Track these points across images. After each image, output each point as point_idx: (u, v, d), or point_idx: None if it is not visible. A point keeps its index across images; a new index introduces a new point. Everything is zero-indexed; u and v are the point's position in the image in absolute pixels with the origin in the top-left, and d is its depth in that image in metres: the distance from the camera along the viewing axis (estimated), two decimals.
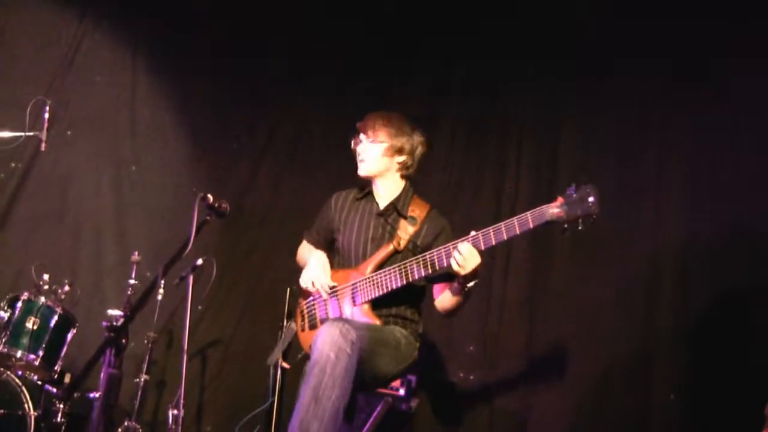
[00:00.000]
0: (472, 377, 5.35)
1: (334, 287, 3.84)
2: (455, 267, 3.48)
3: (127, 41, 6.28)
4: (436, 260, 3.57)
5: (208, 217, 3.86)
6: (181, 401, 4.78)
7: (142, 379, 5.12)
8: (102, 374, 4.43)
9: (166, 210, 5.98)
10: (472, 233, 3.50)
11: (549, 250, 5.32)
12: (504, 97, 5.78)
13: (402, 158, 3.89)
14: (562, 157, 5.47)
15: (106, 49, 6.24)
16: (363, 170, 3.92)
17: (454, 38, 5.94)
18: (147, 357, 5.17)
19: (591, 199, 3.34)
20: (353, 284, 3.79)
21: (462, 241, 3.50)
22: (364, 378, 3.53)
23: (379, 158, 3.88)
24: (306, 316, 3.96)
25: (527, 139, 5.62)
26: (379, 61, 6.12)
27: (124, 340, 4.49)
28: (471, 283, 3.59)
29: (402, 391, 4.26)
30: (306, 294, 3.97)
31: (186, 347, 4.78)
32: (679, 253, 4.99)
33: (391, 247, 3.79)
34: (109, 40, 6.26)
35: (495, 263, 5.41)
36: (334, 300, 3.83)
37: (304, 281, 3.90)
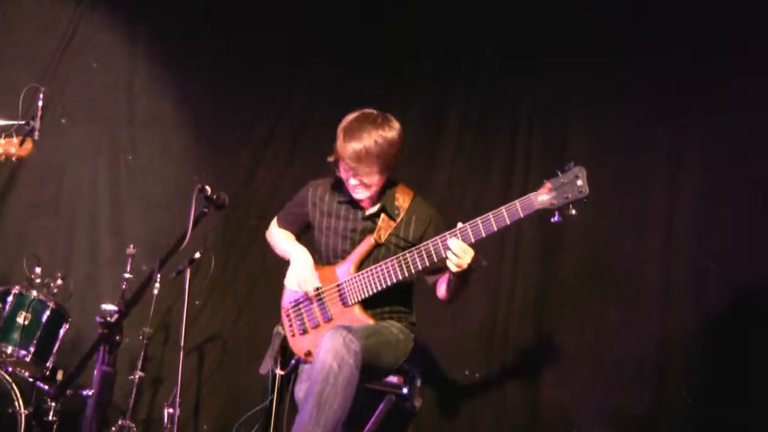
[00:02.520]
0: (477, 375, 5.31)
1: (319, 288, 3.84)
2: (452, 268, 3.47)
3: (126, 25, 6.22)
4: (434, 251, 3.55)
5: (206, 209, 3.86)
6: (177, 399, 4.86)
7: (137, 376, 5.09)
8: (95, 372, 4.38)
9: (164, 201, 5.96)
10: (459, 225, 3.48)
11: (558, 247, 5.29)
12: (512, 89, 5.70)
13: (391, 172, 3.82)
14: (572, 148, 5.37)
15: (104, 34, 6.18)
16: (361, 196, 3.81)
17: (460, 28, 5.89)
18: (142, 353, 5.15)
19: (579, 182, 3.30)
20: (339, 285, 3.80)
21: (450, 235, 3.48)
22: (369, 378, 3.69)
23: (378, 185, 3.79)
24: (294, 320, 3.95)
25: (536, 133, 5.55)
26: (383, 52, 6.08)
27: (118, 337, 4.31)
28: (471, 275, 3.60)
29: (405, 390, 4.22)
30: (290, 294, 3.96)
31: (183, 343, 4.88)
32: (692, 249, 4.92)
33: (371, 240, 3.78)
34: (108, 24, 6.20)
35: (503, 259, 5.38)
36: (321, 302, 3.84)
37: (290, 283, 3.88)
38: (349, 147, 3.64)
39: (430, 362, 5.23)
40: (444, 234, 3.51)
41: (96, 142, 6.04)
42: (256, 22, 6.18)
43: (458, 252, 3.43)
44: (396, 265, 3.63)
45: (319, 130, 6.06)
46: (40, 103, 4.82)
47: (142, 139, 6.12)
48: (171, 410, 4.92)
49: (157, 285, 5.07)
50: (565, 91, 5.48)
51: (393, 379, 4.14)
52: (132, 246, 5.14)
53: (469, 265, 3.47)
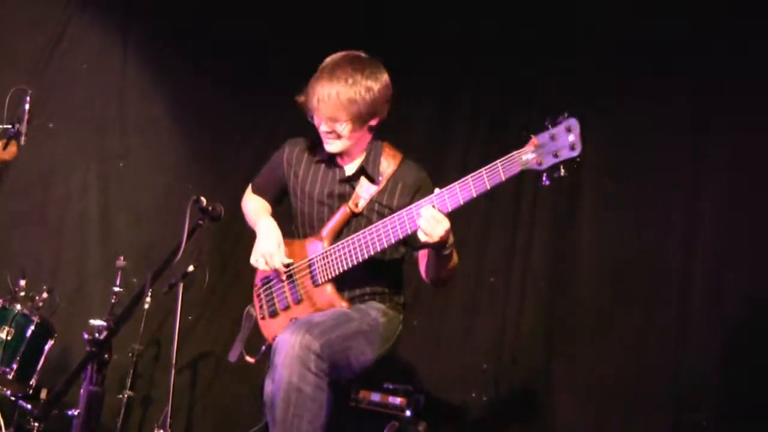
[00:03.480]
0: (485, 398, 5.24)
1: (289, 265, 3.64)
2: (422, 237, 3.16)
3: (117, 26, 6.25)
4: (407, 220, 3.26)
5: (201, 221, 3.79)
6: (168, 420, 4.86)
7: (126, 395, 5.11)
8: (82, 391, 4.35)
9: (156, 211, 5.96)
10: (437, 191, 3.20)
11: (571, 263, 5.25)
12: (527, 84, 5.64)
13: (374, 121, 3.56)
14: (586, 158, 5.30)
15: (94, 34, 6.20)
16: (333, 148, 3.58)
17: (471, 23, 5.86)
18: (132, 371, 5.18)
19: (571, 137, 2.97)
20: (309, 261, 3.58)
21: (425, 202, 3.20)
22: (343, 375, 3.41)
23: (350, 135, 3.52)
24: (264, 301, 3.79)
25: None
26: (387, 58, 5.99)
27: (107, 355, 4.29)
28: (446, 250, 3.29)
29: (409, 413, 4.16)
30: (261, 272, 3.80)
31: (174, 361, 4.83)
32: (714, 268, 4.85)
33: (347, 210, 3.57)
34: (98, 24, 6.22)
35: (512, 275, 5.34)
36: (292, 281, 3.63)
37: (256, 260, 3.70)
38: (318, 84, 3.44)
39: (435, 384, 5.19)
40: (419, 202, 3.24)
41: (85, 148, 6.04)
42: (255, 24, 6.19)
43: (429, 220, 3.13)
44: (367, 238, 3.37)
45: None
46: (27, 106, 4.84)
47: (133, 146, 6.11)
48: (161, 431, 4.89)
49: (149, 300, 5.08)
50: (580, 96, 5.39)
51: (395, 400, 4.09)
52: (122, 258, 5.15)
53: (443, 239, 3.18)
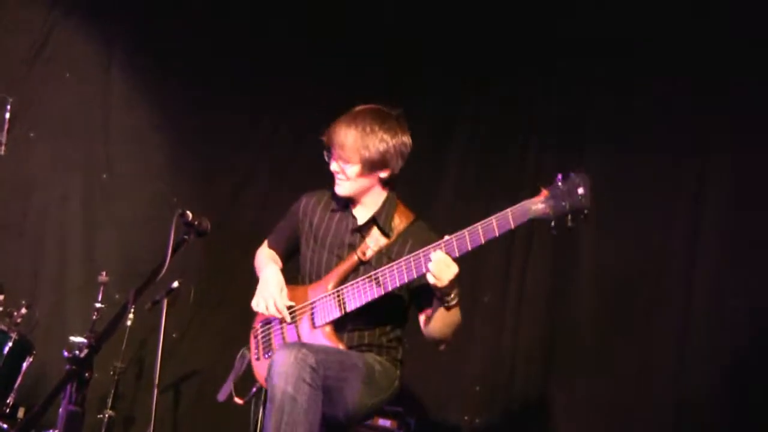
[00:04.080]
0: (478, 421, 5.27)
1: (291, 308, 3.68)
2: (430, 280, 3.27)
3: (102, 33, 6.23)
4: (414, 264, 3.36)
5: (186, 236, 3.77)
6: None
7: (107, 415, 5.08)
8: (61, 410, 4.35)
9: (140, 225, 5.92)
10: (446, 237, 3.30)
11: (569, 284, 5.27)
12: (525, 99, 5.74)
13: (385, 173, 3.68)
14: (588, 161, 5.37)
15: (79, 41, 6.19)
16: (341, 190, 3.71)
17: (470, 31, 5.91)
18: (113, 390, 5.15)
19: (581, 190, 3.14)
20: (312, 303, 3.64)
21: (434, 247, 3.30)
22: (335, 413, 3.40)
23: (357, 179, 3.66)
24: (261, 342, 3.84)
25: (549, 147, 5.56)
26: (384, 70, 6.10)
27: (87, 373, 4.29)
28: (452, 299, 3.38)
29: None
30: (261, 315, 3.83)
31: (157, 380, 4.78)
32: (715, 291, 4.86)
33: (354, 258, 3.63)
34: (83, 31, 6.21)
35: (507, 296, 5.38)
36: (291, 323, 3.68)
37: (257, 304, 3.71)
38: (339, 125, 3.62)
39: (426, 406, 5.21)
40: (427, 248, 3.33)
41: (67, 159, 6.02)
42: (245, 32, 6.22)
43: (439, 263, 3.25)
44: (370, 281, 3.47)
45: (312, 152, 6.04)
46: (7, 115, 4.83)
47: (117, 157, 6.10)
48: None
49: (131, 316, 5.06)
50: (582, 115, 5.51)
51: (386, 423, 4.09)
52: (104, 273, 5.14)
53: (451, 283, 3.29)
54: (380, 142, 3.57)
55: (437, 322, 3.51)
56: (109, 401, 5.10)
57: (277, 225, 4.05)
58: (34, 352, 4.96)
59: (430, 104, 5.99)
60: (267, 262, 3.89)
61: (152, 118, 6.21)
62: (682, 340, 4.87)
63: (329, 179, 4.54)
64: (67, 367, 4.46)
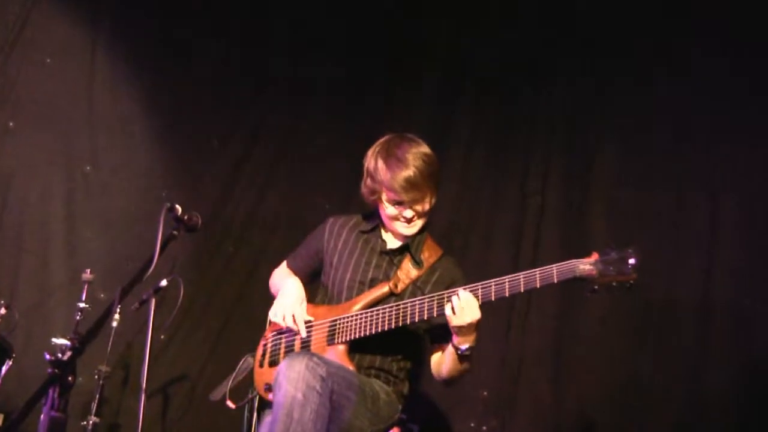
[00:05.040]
0: (485, 428, 5.30)
1: (309, 322, 3.82)
2: (448, 312, 3.44)
3: (86, 16, 6.15)
4: (437, 303, 3.52)
5: (175, 231, 3.83)
6: None
7: (91, 422, 5.03)
8: (42, 417, 4.33)
9: (127, 220, 5.90)
10: (482, 284, 3.48)
11: (579, 285, 5.17)
12: (529, 101, 5.80)
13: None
14: (598, 169, 5.45)
15: (61, 25, 6.09)
16: (413, 230, 3.83)
17: (467, 29, 6.01)
18: (97, 395, 5.09)
19: (632, 261, 3.32)
20: (332, 321, 3.76)
21: (465, 288, 3.48)
22: (330, 431, 3.43)
23: (428, 212, 3.83)
24: (269, 350, 3.95)
25: (556, 153, 5.63)
26: (384, 59, 6.19)
27: (70, 377, 4.25)
28: (465, 346, 3.54)
29: None
30: (274, 326, 3.94)
31: (145, 384, 4.74)
32: (734, 298, 4.90)
33: (386, 288, 3.76)
34: (65, 14, 6.11)
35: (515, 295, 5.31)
36: (307, 336, 3.81)
37: (274, 314, 3.87)
38: (398, 176, 3.65)
39: (430, 412, 5.22)
40: (451, 290, 3.52)
41: (49, 150, 5.94)
42: (240, 17, 6.23)
43: (463, 301, 3.42)
44: (392, 311, 3.61)
45: (310, 139, 6.25)
46: None
47: (102, 148, 6.04)
48: None
49: (117, 317, 4.99)
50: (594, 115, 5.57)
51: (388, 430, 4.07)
52: (88, 271, 5.09)
53: (470, 328, 3.47)
54: (434, 162, 3.75)
55: (449, 363, 3.69)
56: (94, 407, 5.05)
57: (298, 248, 4.19)
58: (14, 355, 4.91)
59: (428, 103, 6.11)
60: (289, 277, 4.05)
61: (140, 106, 6.15)
62: (700, 342, 4.90)
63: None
64: (49, 370, 4.20)
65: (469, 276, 3.81)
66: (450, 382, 3.80)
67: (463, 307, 3.41)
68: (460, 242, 5.67)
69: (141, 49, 6.20)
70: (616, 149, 5.42)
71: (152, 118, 6.15)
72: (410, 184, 3.64)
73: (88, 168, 5.98)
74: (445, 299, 3.48)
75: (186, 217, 3.81)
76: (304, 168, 6.18)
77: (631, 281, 3.32)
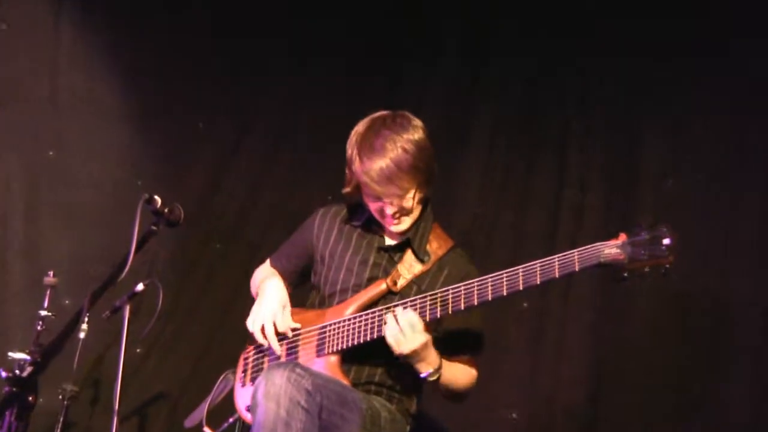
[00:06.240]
0: (514, 415, 5.31)
1: (296, 330, 3.70)
2: (385, 332, 3.37)
3: None
4: (439, 304, 3.38)
5: (154, 227, 3.82)
6: None
7: None
8: None
9: (97, 214, 5.80)
10: (491, 275, 3.34)
11: (623, 287, 4.95)
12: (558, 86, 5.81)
13: (430, 187, 3.70)
14: (644, 160, 5.40)
15: None
16: (402, 227, 3.66)
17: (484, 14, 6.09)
18: (62, 418, 4.91)
19: (666, 241, 3.10)
20: (322, 327, 3.63)
21: (478, 282, 3.34)
22: None
23: (417, 206, 3.64)
24: (250, 366, 3.85)
25: (594, 142, 5.62)
26: (389, 41, 6.27)
27: (31, 397, 4.24)
28: (426, 372, 3.42)
29: None
30: (254, 338, 3.82)
31: (117, 405, 4.44)
32: None
33: (383, 286, 3.61)
34: None
35: (549, 296, 5.39)
36: (293, 347, 3.70)
37: (252, 323, 3.75)
38: (372, 167, 3.47)
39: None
40: (468, 282, 3.35)
41: (5, 133, 5.76)
42: None
43: (399, 324, 3.32)
44: (381, 316, 3.47)
45: (308, 126, 6.33)
46: None
47: (68, 130, 5.90)
48: None
49: (85, 327, 4.65)
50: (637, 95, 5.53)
51: None
52: (52, 273, 4.88)
53: (413, 353, 3.33)
54: (421, 151, 3.53)
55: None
56: (58, 430, 4.88)
57: (283, 244, 4.09)
58: None
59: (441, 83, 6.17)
60: (270, 277, 3.91)
61: (111, 84, 6.03)
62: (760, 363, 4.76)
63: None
64: (6, 389, 4.26)
65: None
66: (450, 399, 3.71)
67: (398, 331, 3.31)
68: (484, 239, 5.65)
69: (114, 19, 6.05)
70: (663, 135, 5.37)
71: (128, 97, 6.04)
72: (384, 178, 3.46)
73: (51, 153, 5.84)
74: (464, 294, 3.34)
75: (166, 210, 3.79)
76: (300, 158, 6.23)
77: (667, 265, 3.10)
